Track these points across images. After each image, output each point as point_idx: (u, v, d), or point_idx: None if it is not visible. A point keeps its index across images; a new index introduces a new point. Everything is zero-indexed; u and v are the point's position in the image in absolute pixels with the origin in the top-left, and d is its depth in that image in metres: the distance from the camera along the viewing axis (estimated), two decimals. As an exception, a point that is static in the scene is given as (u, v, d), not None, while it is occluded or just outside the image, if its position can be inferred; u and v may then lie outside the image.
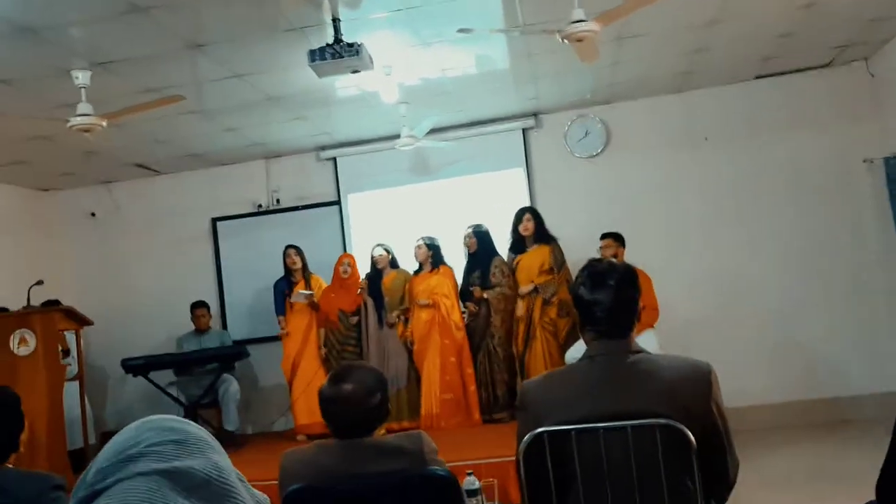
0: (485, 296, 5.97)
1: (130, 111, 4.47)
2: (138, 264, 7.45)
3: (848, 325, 6.33)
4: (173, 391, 6.48)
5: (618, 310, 2.01)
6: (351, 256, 6.55)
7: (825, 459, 5.15)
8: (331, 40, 4.09)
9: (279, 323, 6.42)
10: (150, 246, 7.47)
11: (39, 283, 5.83)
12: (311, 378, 5.99)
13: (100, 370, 7.23)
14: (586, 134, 6.86)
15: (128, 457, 0.94)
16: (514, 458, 2.04)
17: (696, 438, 1.85)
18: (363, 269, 6.45)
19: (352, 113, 6.22)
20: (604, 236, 5.74)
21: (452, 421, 5.81)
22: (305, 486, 2.09)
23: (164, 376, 6.51)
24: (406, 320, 6.15)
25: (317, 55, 4.03)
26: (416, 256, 6.22)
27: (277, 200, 7.36)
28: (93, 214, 7.60)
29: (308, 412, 5.89)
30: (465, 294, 6.09)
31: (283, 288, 6.45)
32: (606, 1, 3.72)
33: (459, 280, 6.17)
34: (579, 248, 5.59)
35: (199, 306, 6.88)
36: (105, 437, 6.40)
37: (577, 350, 5.12)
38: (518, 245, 6.04)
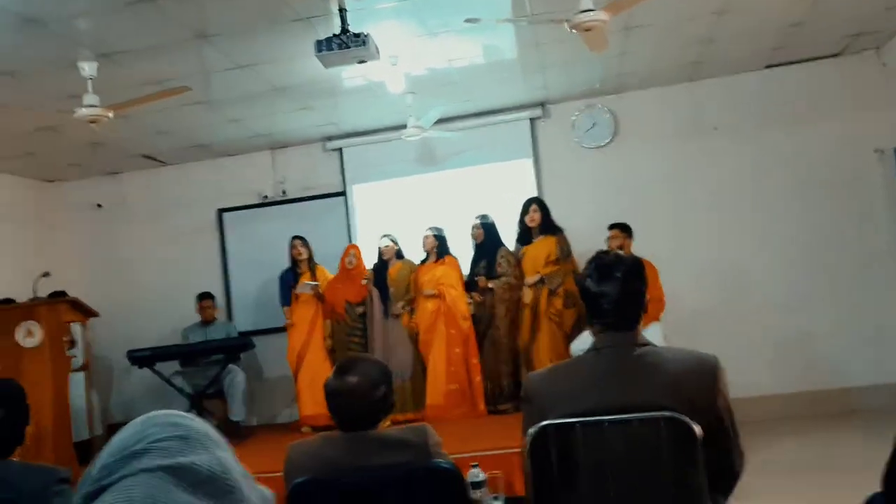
0: (490, 285, 5.96)
1: (137, 102, 4.46)
2: (144, 256, 7.45)
3: (854, 315, 6.29)
4: (179, 382, 6.48)
5: (625, 302, 2.01)
6: (356, 247, 6.54)
7: (832, 450, 5.15)
8: (337, 30, 4.07)
9: (285, 314, 6.42)
10: (156, 237, 7.47)
11: (46, 274, 5.83)
12: (317, 369, 5.99)
13: (106, 361, 7.25)
14: (594, 124, 6.82)
15: (132, 453, 0.93)
16: (518, 450, 2.03)
17: (701, 431, 1.85)
18: (369, 259, 6.45)
19: (358, 103, 6.20)
20: (611, 227, 5.72)
21: (457, 412, 5.80)
22: (310, 479, 2.10)
23: (170, 367, 6.51)
24: (412, 310, 6.15)
25: (323, 45, 4.01)
26: (424, 245, 6.20)
27: (283, 191, 7.35)
28: (99, 206, 7.60)
29: (313, 403, 5.89)
30: (471, 285, 6.08)
31: (289, 279, 6.44)
32: (614, -10, 3.70)
33: (465, 271, 6.16)
34: (587, 239, 5.58)
35: (204, 297, 6.90)
36: (111, 428, 6.41)
37: (582, 341, 5.13)
38: (525, 236, 6.02)
